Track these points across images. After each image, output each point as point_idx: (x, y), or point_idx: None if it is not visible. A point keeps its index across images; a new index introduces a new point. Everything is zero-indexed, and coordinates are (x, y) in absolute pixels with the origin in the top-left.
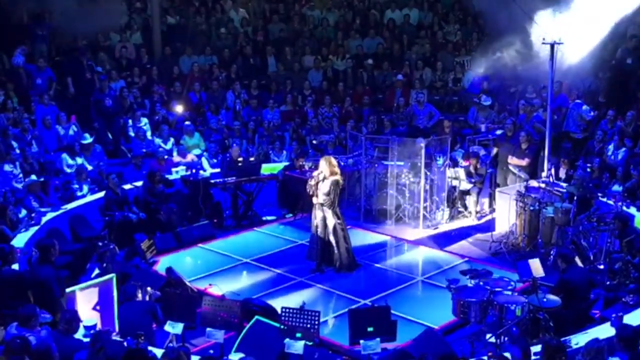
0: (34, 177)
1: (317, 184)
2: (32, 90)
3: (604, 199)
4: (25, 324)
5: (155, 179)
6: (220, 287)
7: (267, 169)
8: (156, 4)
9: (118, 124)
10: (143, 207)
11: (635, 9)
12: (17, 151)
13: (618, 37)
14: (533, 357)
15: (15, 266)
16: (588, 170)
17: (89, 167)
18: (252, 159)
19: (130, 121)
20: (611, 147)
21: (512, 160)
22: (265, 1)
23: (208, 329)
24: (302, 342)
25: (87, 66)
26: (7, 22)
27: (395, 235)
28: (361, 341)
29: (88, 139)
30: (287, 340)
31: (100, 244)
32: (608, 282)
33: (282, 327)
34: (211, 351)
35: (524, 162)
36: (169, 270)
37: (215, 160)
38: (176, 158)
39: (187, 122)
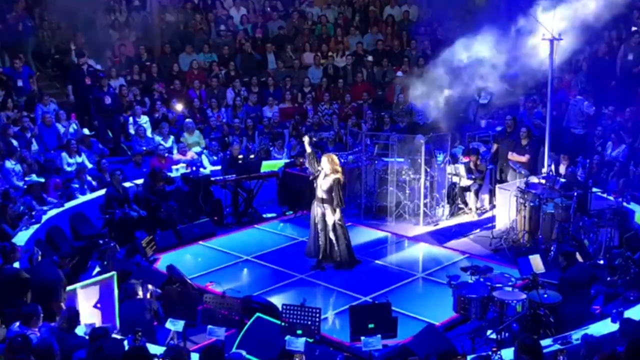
0: (34, 177)
1: (316, 177)
2: (17, 93)
3: (604, 195)
4: (27, 323)
5: (158, 178)
6: (221, 285)
7: (267, 166)
8: (155, 2)
9: (118, 121)
10: (144, 204)
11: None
12: (18, 149)
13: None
14: None
15: (17, 264)
16: (587, 166)
17: (89, 165)
18: (252, 156)
19: (130, 119)
20: (610, 143)
21: (513, 156)
22: None
23: (209, 326)
24: (303, 339)
25: (88, 72)
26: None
27: (396, 232)
28: (362, 338)
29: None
30: (288, 337)
31: (101, 241)
32: (609, 278)
33: (283, 324)
34: None
35: (524, 159)
36: (170, 267)
37: (215, 158)
38: (176, 156)
39: (187, 120)
